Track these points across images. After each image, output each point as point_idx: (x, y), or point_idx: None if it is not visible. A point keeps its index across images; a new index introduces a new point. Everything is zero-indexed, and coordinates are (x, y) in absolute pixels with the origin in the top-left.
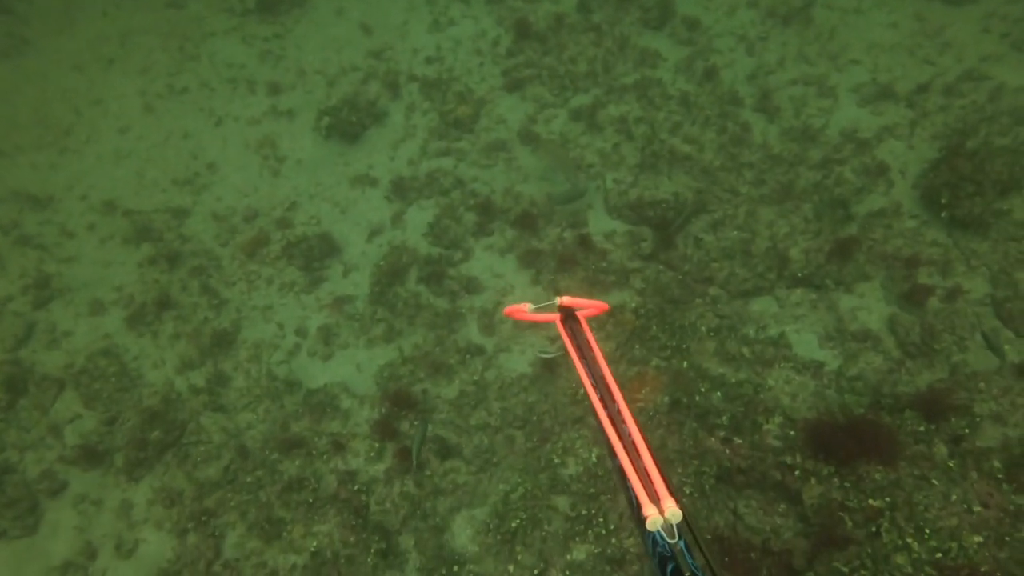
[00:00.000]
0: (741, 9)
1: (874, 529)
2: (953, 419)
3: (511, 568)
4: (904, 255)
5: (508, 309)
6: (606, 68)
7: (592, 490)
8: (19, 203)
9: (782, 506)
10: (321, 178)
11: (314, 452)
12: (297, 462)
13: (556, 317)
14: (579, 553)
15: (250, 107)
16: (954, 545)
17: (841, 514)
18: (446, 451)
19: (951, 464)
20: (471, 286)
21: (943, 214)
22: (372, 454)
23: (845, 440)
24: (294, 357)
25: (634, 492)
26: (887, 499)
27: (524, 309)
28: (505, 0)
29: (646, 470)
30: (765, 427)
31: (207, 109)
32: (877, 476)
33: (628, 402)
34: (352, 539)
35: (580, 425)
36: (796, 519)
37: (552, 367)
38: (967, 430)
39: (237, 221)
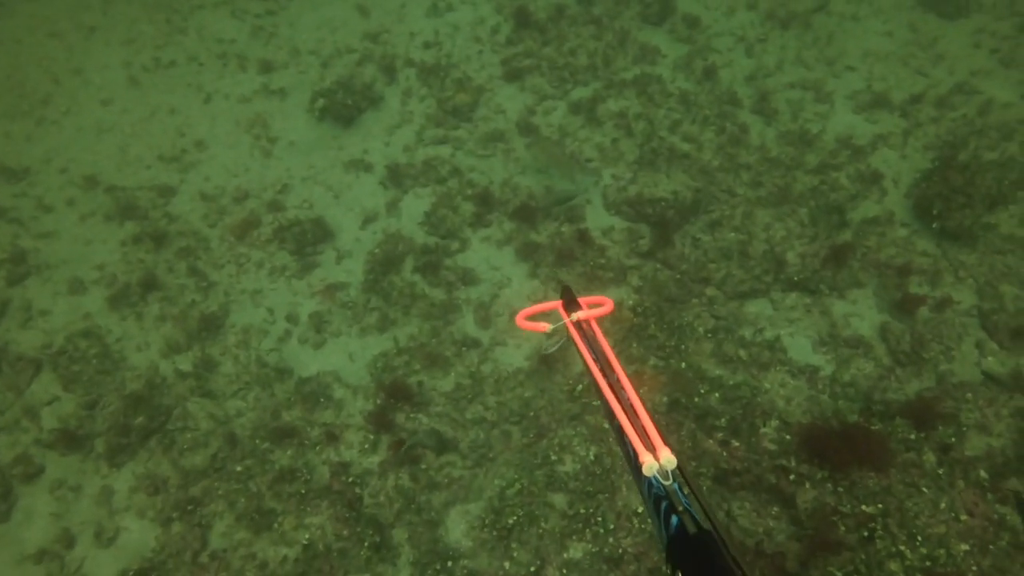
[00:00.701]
0: (741, 10)
1: (866, 534)
2: (941, 427)
3: (507, 565)
4: (896, 263)
5: (520, 320)
6: (606, 62)
7: (590, 488)
8: None
9: (775, 509)
10: (314, 161)
11: (306, 442)
12: (289, 452)
13: (558, 304)
14: (576, 551)
15: (241, 84)
16: (942, 552)
17: (834, 519)
18: (442, 445)
19: (940, 472)
20: (467, 278)
21: (934, 225)
22: (366, 446)
23: (839, 446)
24: (284, 344)
25: (632, 445)
26: (880, 505)
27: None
28: None
29: (643, 427)
30: (762, 430)
31: (195, 84)
32: (870, 482)
33: (628, 376)
34: (345, 532)
35: (577, 422)
36: (790, 522)
37: (550, 363)
38: (954, 439)
39: (226, 202)
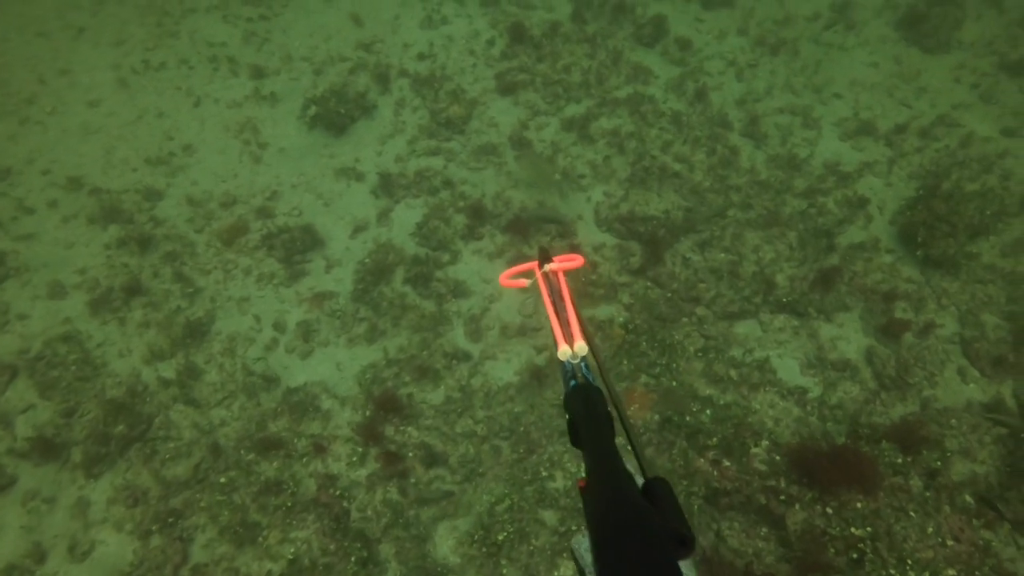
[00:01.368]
0: (732, 35)
1: (856, 557)
2: (925, 452)
3: None
4: (882, 289)
5: (503, 278)
6: (599, 80)
7: (581, 505)
8: None
9: (765, 530)
10: (305, 168)
11: (293, 454)
12: (275, 464)
13: (534, 264)
14: (567, 569)
15: (231, 89)
16: None
17: (824, 541)
18: (431, 458)
19: (927, 496)
20: (458, 290)
21: (918, 252)
22: (354, 459)
23: (828, 467)
24: (271, 352)
25: (554, 337)
26: (868, 528)
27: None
28: (499, 3)
29: (571, 328)
30: (753, 450)
31: (185, 88)
32: (858, 505)
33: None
34: (332, 547)
35: (567, 438)
36: (778, 543)
37: (540, 378)
38: (939, 463)
39: (214, 207)
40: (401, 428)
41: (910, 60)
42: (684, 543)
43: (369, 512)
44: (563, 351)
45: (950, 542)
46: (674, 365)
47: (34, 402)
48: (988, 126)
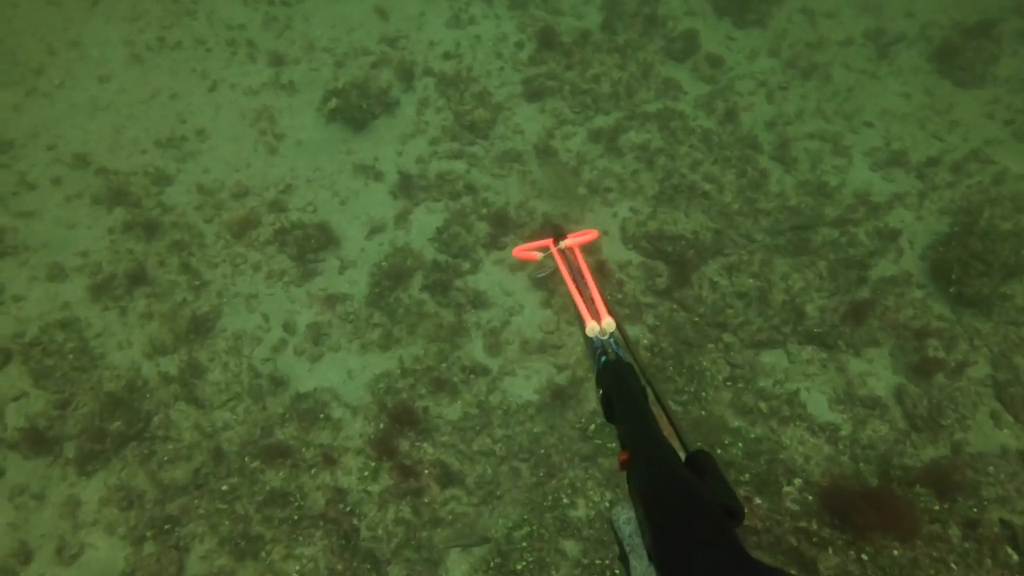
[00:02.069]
0: (763, 56)
1: None
2: (961, 499)
3: None
4: (914, 326)
5: (516, 251)
6: (629, 92)
7: (606, 538)
8: None
9: (795, 572)
10: (321, 163)
11: (300, 464)
12: (281, 474)
13: (549, 241)
14: None
15: (249, 75)
16: None
17: None
18: (447, 478)
19: (966, 547)
20: (478, 301)
21: (951, 289)
22: (366, 473)
23: (863, 509)
24: (279, 354)
25: (580, 314)
26: None
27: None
28: (528, 7)
29: (596, 306)
30: (785, 489)
31: (201, 70)
32: (895, 552)
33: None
34: (339, 566)
35: (590, 464)
36: None
37: (563, 398)
38: (975, 510)
39: (225, 197)
40: (417, 443)
41: (942, 92)
42: (733, 515)
43: (380, 531)
44: (591, 327)
45: None
46: (703, 394)
47: (27, 390)
48: (1022, 164)
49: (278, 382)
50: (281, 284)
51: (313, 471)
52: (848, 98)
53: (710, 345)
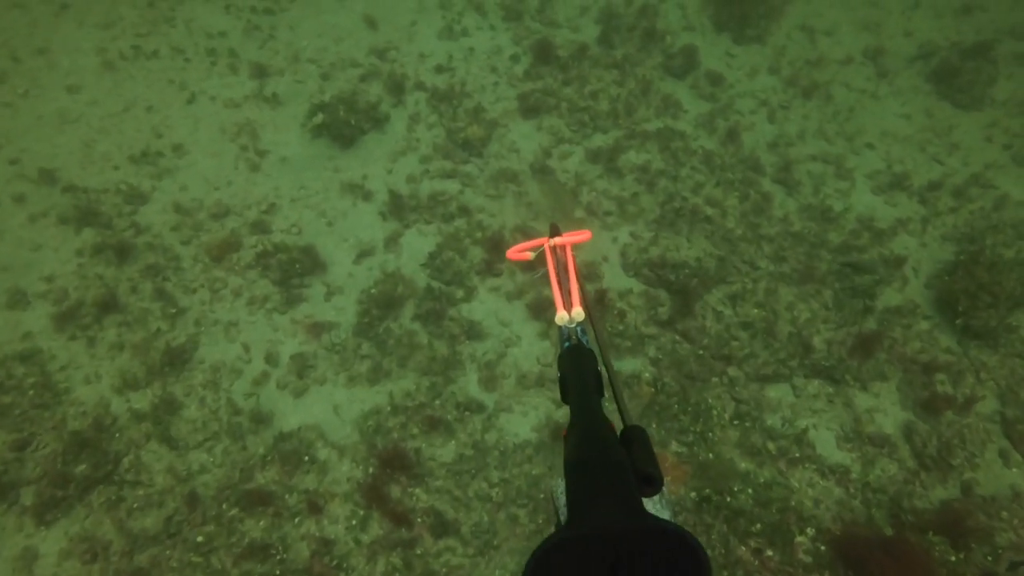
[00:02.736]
0: (763, 73)
1: None
2: (975, 546)
3: None
4: (922, 360)
5: (510, 252)
6: (628, 110)
7: None
8: None
9: None
10: (307, 181)
11: (283, 512)
12: (261, 523)
13: (545, 240)
14: None
15: (230, 87)
16: None
17: None
18: (441, 527)
19: None
20: (473, 331)
21: (958, 321)
22: (354, 522)
23: (881, 561)
24: (261, 388)
25: (555, 304)
26: None
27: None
28: (523, 19)
29: (571, 297)
30: (797, 539)
31: (178, 81)
32: None
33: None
34: None
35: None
36: None
37: (560, 437)
38: (990, 559)
39: (204, 217)
40: (409, 489)
41: (942, 114)
42: (651, 482)
43: None
44: (560, 316)
45: None
46: (709, 434)
47: None
48: (1021, 190)
49: (259, 419)
50: (263, 311)
51: (297, 520)
52: (849, 118)
53: (714, 379)
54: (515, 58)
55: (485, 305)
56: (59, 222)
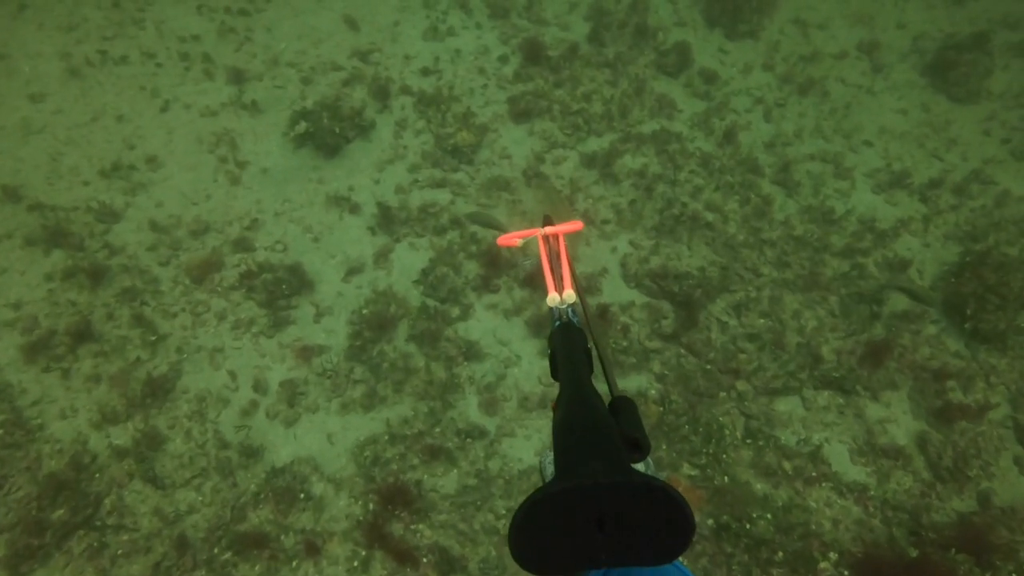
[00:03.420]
0: (757, 70)
1: None
2: (999, 562)
3: None
4: (932, 366)
5: (500, 239)
6: (622, 112)
7: None
8: None
9: None
10: (290, 194)
11: (279, 555)
12: (257, 567)
13: (537, 230)
14: None
15: (206, 94)
16: None
17: None
18: (448, 564)
19: None
20: (471, 352)
21: (966, 325)
22: (356, 563)
23: None
24: (250, 418)
25: (546, 288)
26: None
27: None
28: (509, 16)
29: (563, 280)
30: (821, 565)
31: (150, 88)
32: None
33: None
34: None
35: None
36: None
37: None
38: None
39: (182, 235)
40: (412, 526)
41: (938, 109)
42: (638, 447)
43: None
44: (551, 298)
45: None
46: (723, 456)
47: None
48: (1021, 185)
49: (249, 453)
50: (249, 336)
51: (295, 563)
52: (846, 115)
53: (722, 394)
54: (504, 59)
55: (483, 323)
56: (25, 243)
